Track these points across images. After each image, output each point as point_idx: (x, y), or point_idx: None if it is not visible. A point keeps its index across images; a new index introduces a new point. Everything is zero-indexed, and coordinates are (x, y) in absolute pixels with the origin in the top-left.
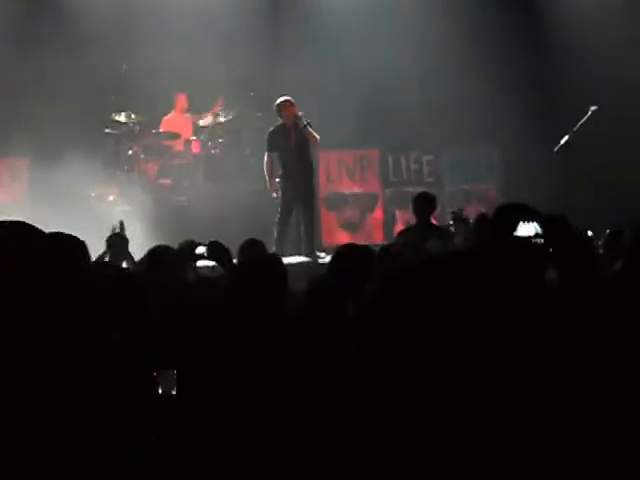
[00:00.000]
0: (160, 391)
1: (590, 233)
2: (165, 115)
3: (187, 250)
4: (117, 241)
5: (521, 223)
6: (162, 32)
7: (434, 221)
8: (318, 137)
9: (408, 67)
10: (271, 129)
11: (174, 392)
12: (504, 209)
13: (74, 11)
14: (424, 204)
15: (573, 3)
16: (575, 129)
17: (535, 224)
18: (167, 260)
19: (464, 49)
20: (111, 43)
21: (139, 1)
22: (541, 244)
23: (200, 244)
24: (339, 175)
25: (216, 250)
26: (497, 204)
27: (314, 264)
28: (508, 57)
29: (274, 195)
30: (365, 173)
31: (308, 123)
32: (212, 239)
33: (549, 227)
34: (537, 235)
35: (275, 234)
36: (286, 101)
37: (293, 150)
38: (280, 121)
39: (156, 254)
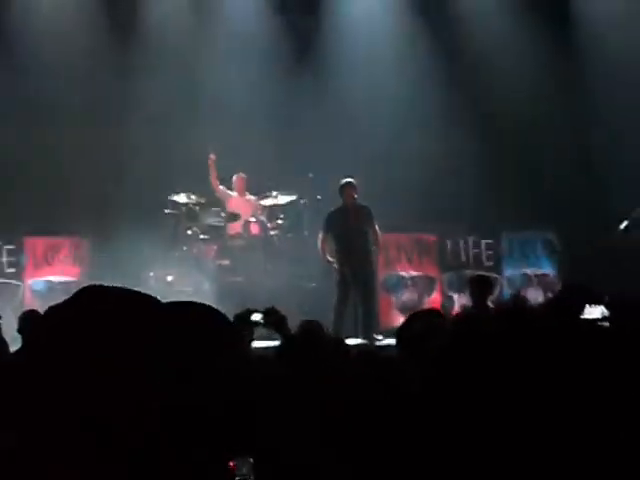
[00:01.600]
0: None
1: None
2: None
3: (243, 318)
4: None
5: (587, 306)
6: (221, 111)
7: (491, 305)
8: (379, 234)
9: (467, 150)
10: (331, 210)
11: None
12: (569, 289)
13: (141, 91)
14: (481, 287)
15: None
16: (635, 215)
17: (602, 307)
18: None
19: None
20: (171, 121)
21: (201, 80)
22: (607, 327)
23: (256, 311)
24: (397, 258)
25: (272, 317)
26: (562, 284)
27: (372, 347)
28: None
29: (329, 260)
30: (422, 256)
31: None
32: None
33: (617, 311)
34: (604, 318)
35: (333, 316)
36: (348, 183)
37: (352, 232)
38: (341, 203)
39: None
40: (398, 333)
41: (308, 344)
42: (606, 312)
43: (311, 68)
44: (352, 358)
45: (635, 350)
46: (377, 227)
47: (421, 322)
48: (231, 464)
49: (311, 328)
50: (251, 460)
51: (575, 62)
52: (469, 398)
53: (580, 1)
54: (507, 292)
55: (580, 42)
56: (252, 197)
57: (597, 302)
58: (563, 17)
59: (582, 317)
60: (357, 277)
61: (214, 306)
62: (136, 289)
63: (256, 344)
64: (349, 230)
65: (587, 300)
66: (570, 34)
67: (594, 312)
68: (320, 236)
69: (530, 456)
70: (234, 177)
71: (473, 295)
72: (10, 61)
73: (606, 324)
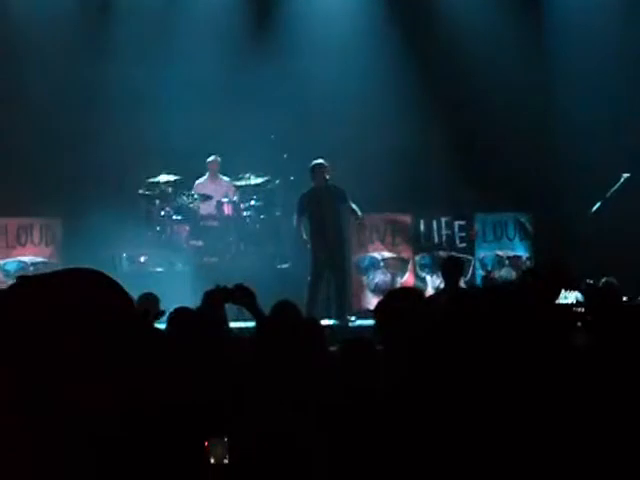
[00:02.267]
0: (212, 461)
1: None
2: (198, 177)
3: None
4: (147, 301)
5: (564, 291)
6: (195, 93)
7: (463, 286)
8: (360, 214)
9: (441, 131)
10: (303, 192)
11: (226, 461)
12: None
13: (121, 75)
14: (453, 268)
15: None
16: (608, 195)
17: (577, 293)
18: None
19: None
20: (148, 104)
21: (175, 62)
22: (581, 312)
23: (225, 287)
24: (370, 239)
25: (241, 293)
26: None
27: (344, 327)
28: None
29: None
30: (395, 237)
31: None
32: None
33: (591, 297)
34: (578, 303)
35: (306, 297)
36: (318, 164)
37: (325, 213)
38: (312, 184)
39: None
40: (376, 311)
41: (282, 325)
42: (580, 297)
43: (284, 48)
44: (325, 338)
45: (608, 337)
46: (353, 204)
47: (400, 301)
48: (205, 444)
49: (285, 308)
50: (226, 440)
51: (545, 45)
52: (463, 379)
53: None
54: (479, 274)
55: (551, 26)
56: (225, 178)
57: (572, 287)
58: (532, 4)
59: (558, 302)
60: (331, 258)
61: (188, 287)
62: (109, 270)
63: (232, 325)
64: (322, 211)
65: (562, 283)
66: (541, 19)
67: (569, 297)
68: (295, 217)
69: (522, 433)
70: (208, 159)
71: (445, 276)
72: None
73: (581, 309)
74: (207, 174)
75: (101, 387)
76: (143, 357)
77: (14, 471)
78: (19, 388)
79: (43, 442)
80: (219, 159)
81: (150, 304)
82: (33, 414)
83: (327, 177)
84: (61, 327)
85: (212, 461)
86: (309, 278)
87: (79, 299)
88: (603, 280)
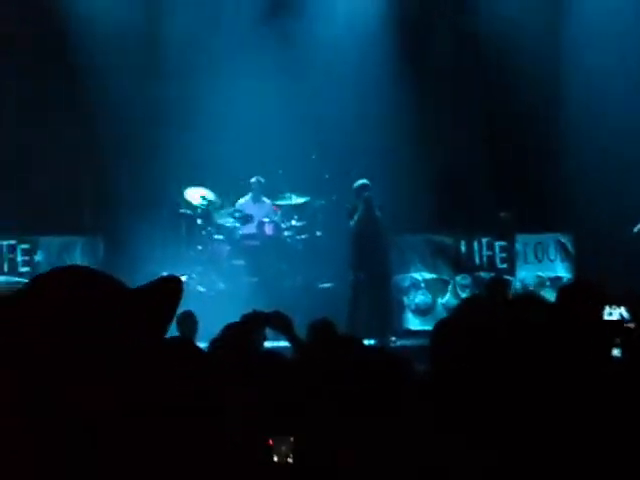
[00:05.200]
0: (276, 459)
1: None
2: (240, 197)
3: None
4: (187, 320)
5: (607, 308)
6: (236, 115)
7: None
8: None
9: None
10: (349, 208)
11: (290, 460)
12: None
13: (167, 91)
14: (496, 288)
15: None
16: None
17: (622, 309)
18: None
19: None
20: (193, 122)
21: (217, 84)
22: (631, 328)
23: (262, 313)
24: (411, 259)
25: (278, 321)
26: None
27: (386, 347)
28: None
29: None
30: (436, 258)
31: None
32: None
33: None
34: (625, 320)
35: (347, 316)
36: (363, 184)
37: (369, 232)
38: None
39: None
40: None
41: (318, 342)
42: (626, 315)
43: (319, 65)
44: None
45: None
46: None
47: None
48: (270, 442)
49: (320, 326)
50: (291, 439)
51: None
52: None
53: None
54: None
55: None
56: (267, 200)
57: (614, 303)
58: None
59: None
60: (373, 278)
61: (228, 306)
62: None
63: (267, 344)
64: (366, 231)
65: (598, 300)
66: None
67: (614, 313)
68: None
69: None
70: (251, 180)
71: (488, 297)
72: None
73: (631, 325)
74: (250, 194)
75: (103, 389)
76: (146, 357)
77: (16, 473)
78: (21, 390)
79: (45, 444)
80: (262, 180)
81: (189, 322)
82: (35, 416)
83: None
84: (61, 327)
85: (276, 459)
86: (350, 297)
87: (79, 298)
88: None
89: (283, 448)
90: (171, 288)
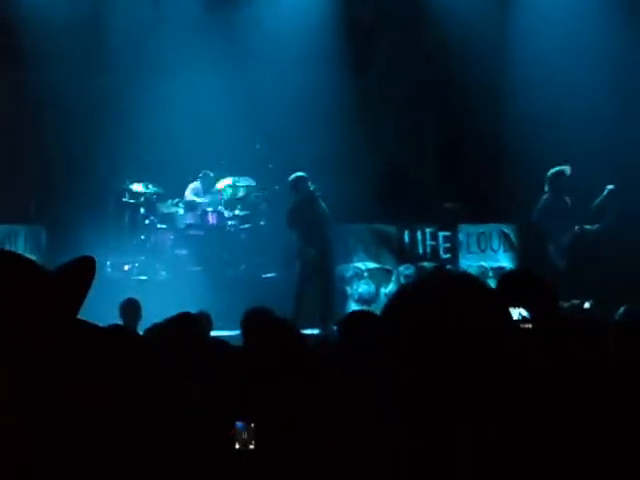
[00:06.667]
0: (237, 446)
1: (587, 305)
2: (185, 186)
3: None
4: (130, 308)
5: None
6: (180, 106)
7: None
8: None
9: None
10: (290, 206)
11: (252, 446)
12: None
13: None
14: None
15: None
16: (592, 205)
17: (521, 309)
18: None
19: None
20: (135, 113)
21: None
22: (529, 329)
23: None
24: (354, 249)
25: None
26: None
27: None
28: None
29: None
30: (380, 247)
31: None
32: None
33: (536, 310)
34: (524, 320)
35: (292, 306)
36: (300, 177)
37: (312, 224)
38: (296, 196)
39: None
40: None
41: (255, 330)
42: (526, 314)
43: (270, 58)
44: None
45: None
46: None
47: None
48: (231, 430)
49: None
50: (252, 426)
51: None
52: None
53: None
54: None
55: None
56: (214, 189)
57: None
58: None
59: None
60: (317, 269)
61: (171, 295)
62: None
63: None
64: (312, 220)
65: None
66: None
67: (514, 313)
68: (289, 227)
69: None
70: (200, 174)
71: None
72: None
73: (528, 325)
74: (198, 182)
75: (101, 387)
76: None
77: (14, 471)
78: (19, 388)
79: (43, 442)
80: (211, 173)
81: (132, 310)
82: (33, 414)
83: (311, 187)
84: (61, 327)
85: (237, 447)
86: (296, 287)
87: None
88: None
89: (245, 436)
90: (85, 265)
